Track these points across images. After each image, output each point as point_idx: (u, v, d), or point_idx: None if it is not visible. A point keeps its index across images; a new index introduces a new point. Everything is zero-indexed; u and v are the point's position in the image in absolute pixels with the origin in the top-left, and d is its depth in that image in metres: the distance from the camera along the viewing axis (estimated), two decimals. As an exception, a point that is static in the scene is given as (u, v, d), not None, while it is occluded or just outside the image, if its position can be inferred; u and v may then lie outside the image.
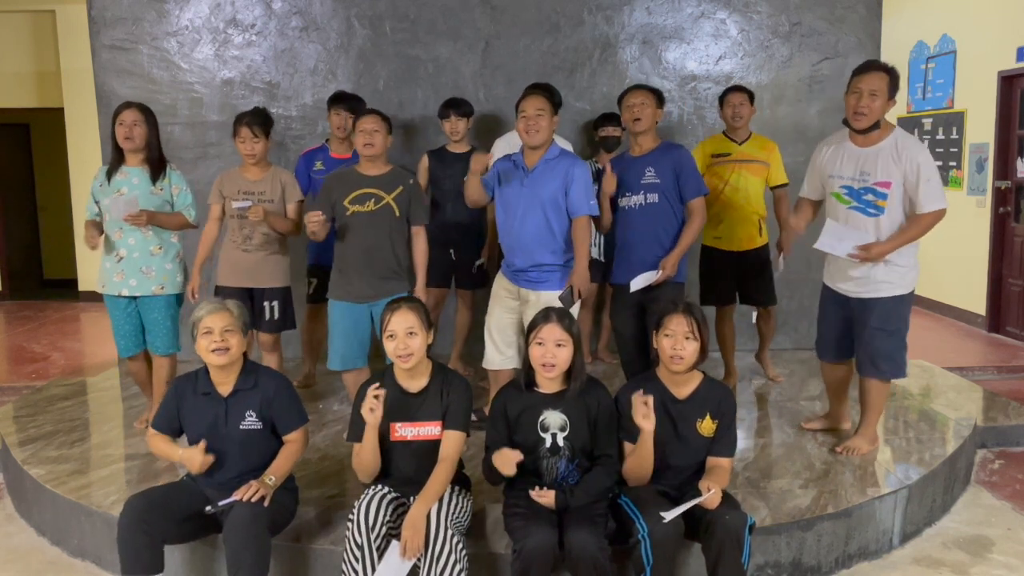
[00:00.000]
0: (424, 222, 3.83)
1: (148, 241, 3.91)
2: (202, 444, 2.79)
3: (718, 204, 4.49)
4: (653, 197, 3.80)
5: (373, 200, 3.69)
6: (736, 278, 4.62)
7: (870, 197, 3.42)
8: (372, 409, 2.72)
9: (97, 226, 3.93)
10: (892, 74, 3.40)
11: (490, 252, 4.83)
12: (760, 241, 4.59)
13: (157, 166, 3.94)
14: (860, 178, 3.44)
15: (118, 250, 3.91)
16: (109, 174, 3.94)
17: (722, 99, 4.62)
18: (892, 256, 3.43)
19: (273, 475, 2.80)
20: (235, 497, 2.68)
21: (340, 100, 4.60)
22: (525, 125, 3.62)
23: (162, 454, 2.94)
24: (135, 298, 3.95)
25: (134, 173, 3.93)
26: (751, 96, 4.57)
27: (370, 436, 2.76)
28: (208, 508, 2.76)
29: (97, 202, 3.96)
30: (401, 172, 3.83)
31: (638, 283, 3.79)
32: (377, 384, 2.77)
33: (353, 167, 3.84)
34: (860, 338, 3.58)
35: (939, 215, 3.38)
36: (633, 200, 3.83)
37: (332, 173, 3.92)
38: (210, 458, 2.79)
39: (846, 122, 3.48)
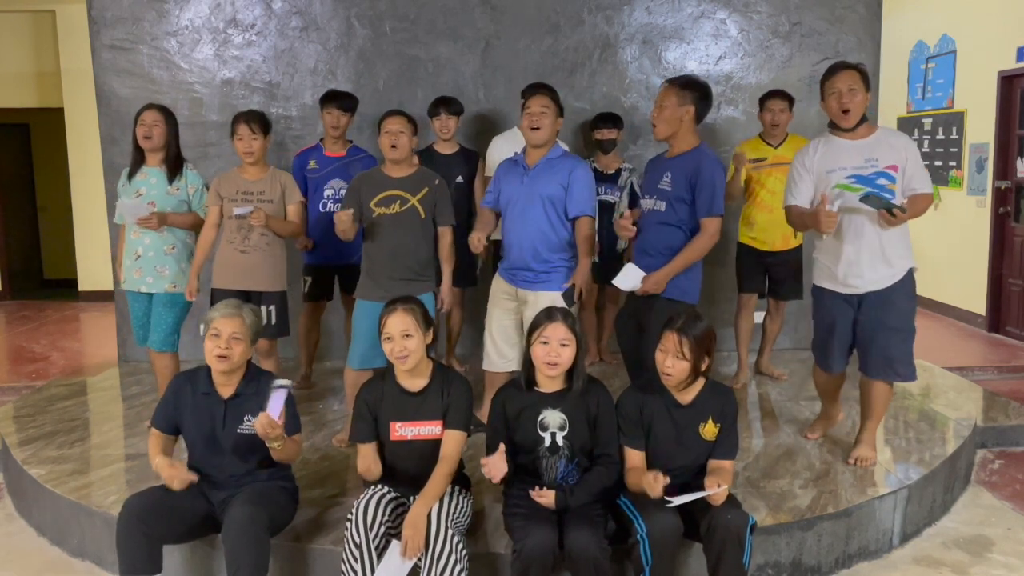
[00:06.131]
0: (451, 222, 3.78)
1: (163, 240, 3.99)
2: (191, 476, 2.75)
3: (754, 207, 4.64)
4: (661, 204, 3.50)
5: (399, 202, 3.66)
6: (766, 274, 4.75)
7: (883, 181, 3.38)
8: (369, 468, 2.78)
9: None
10: (860, 69, 3.45)
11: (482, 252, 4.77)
12: (794, 243, 4.69)
13: (174, 166, 4.01)
14: (867, 165, 3.40)
15: (136, 248, 4.02)
16: (131, 174, 4.04)
17: (762, 102, 4.68)
18: (899, 235, 3.42)
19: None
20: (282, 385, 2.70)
21: (333, 99, 4.59)
22: (529, 122, 3.61)
23: (150, 455, 2.91)
24: (150, 295, 4.04)
25: (152, 173, 4.01)
26: (791, 101, 4.65)
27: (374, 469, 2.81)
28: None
29: None
30: (427, 173, 3.79)
31: (624, 279, 3.51)
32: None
33: (379, 168, 3.81)
34: (874, 341, 3.46)
35: (931, 198, 3.44)
36: (646, 204, 3.59)
37: (360, 175, 3.87)
38: (190, 477, 2.74)
39: (832, 125, 3.48)
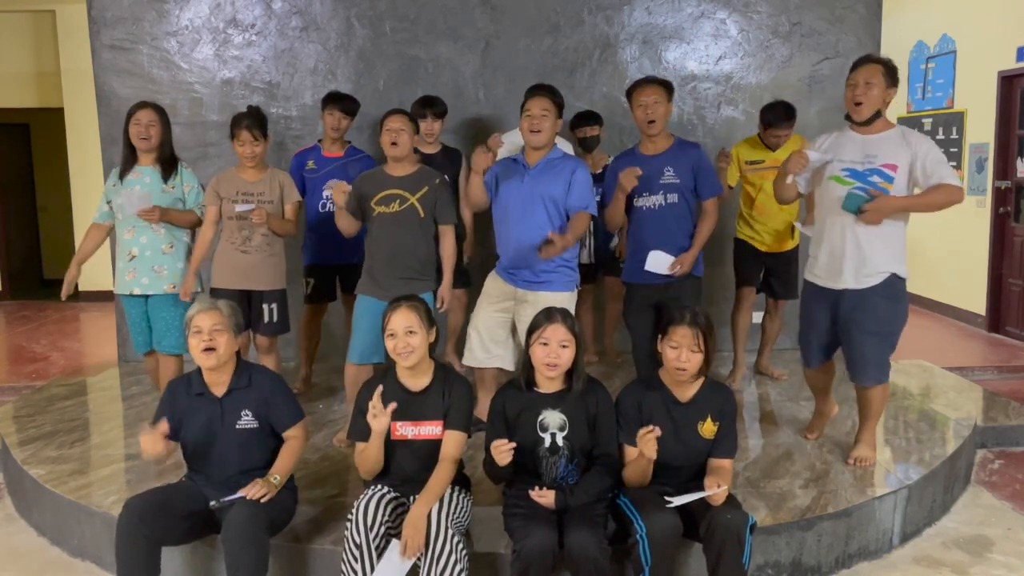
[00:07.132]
0: (452, 221, 3.78)
1: (160, 239, 3.96)
2: (161, 426, 2.75)
3: (753, 209, 4.64)
4: (673, 197, 3.80)
5: (398, 201, 3.66)
6: (762, 270, 4.75)
7: (876, 179, 3.36)
8: (376, 415, 2.72)
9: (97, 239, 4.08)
10: (887, 64, 3.41)
11: (469, 252, 4.79)
12: (791, 244, 4.70)
13: (168, 165, 3.99)
14: (865, 161, 3.39)
15: (130, 249, 3.97)
16: (122, 174, 3.99)
17: (764, 120, 4.53)
18: (883, 238, 3.38)
19: (278, 474, 2.81)
20: (240, 494, 2.69)
21: (336, 101, 4.58)
22: (529, 124, 3.62)
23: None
24: (147, 297, 3.99)
25: (146, 172, 3.98)
26: (794, 118, 4.54)
27: (376, 443, 2.76)
28: (212, 504, 2.76)
29: (109, 202, 4.03)
30: (428, 172, 3.78)
31: (654, 264, 3.79)
32: (380, 390, 2.76)
33: (381, 167, 3.81)
34: (850, 340, 3.46)
35: (956, 192, 3.29)
36: (652, 200, 3.82)
37: (362, 174, 3.87)
38: (162, 444, 2.74)
39: (848, 117, 3.47)
